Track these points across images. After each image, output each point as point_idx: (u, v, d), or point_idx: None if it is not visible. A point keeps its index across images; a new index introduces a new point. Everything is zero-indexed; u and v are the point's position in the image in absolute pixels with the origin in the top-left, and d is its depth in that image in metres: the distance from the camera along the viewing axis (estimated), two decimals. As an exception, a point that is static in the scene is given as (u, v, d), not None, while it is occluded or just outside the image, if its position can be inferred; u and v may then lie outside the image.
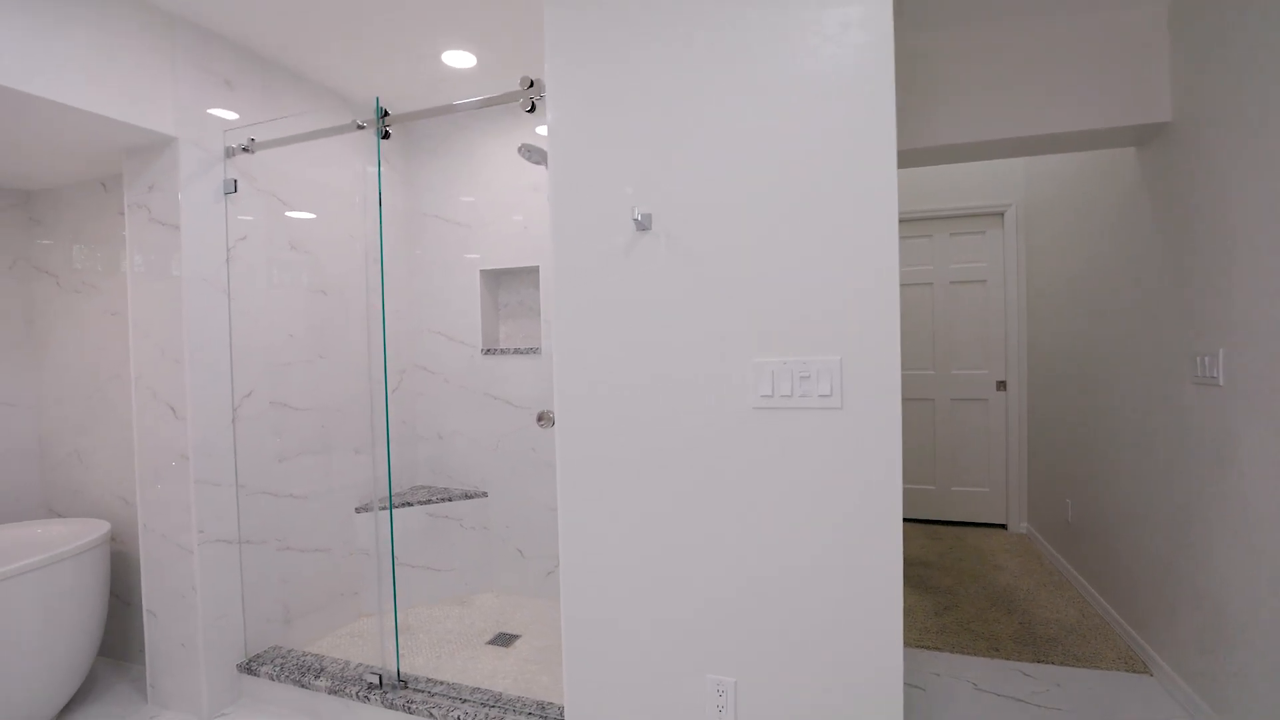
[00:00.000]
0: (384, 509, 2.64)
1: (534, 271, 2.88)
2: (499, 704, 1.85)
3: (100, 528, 2.24)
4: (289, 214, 2.39)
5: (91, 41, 1.75)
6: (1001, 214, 3.83)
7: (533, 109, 1.67)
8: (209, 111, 2.07)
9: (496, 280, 2.99)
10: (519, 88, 1.66)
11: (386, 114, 1.89)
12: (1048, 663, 2.26)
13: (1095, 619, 2.59)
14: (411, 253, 3.01)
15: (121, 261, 2.38)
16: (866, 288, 1.34)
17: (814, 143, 1.36)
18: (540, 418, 1.74)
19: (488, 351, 2.87)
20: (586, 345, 1.56)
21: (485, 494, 2.89)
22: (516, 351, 2.81)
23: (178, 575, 2.06)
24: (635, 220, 1.46)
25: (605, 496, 1.55)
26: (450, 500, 2.82)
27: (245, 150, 2.09)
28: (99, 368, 2.44)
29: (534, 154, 2.09)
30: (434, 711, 1.83)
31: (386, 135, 1.91)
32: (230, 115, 2.14)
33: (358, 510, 2.67)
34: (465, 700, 1.88)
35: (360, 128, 1.93)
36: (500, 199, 2.83)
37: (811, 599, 1.40)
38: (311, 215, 2.48)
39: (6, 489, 2.49)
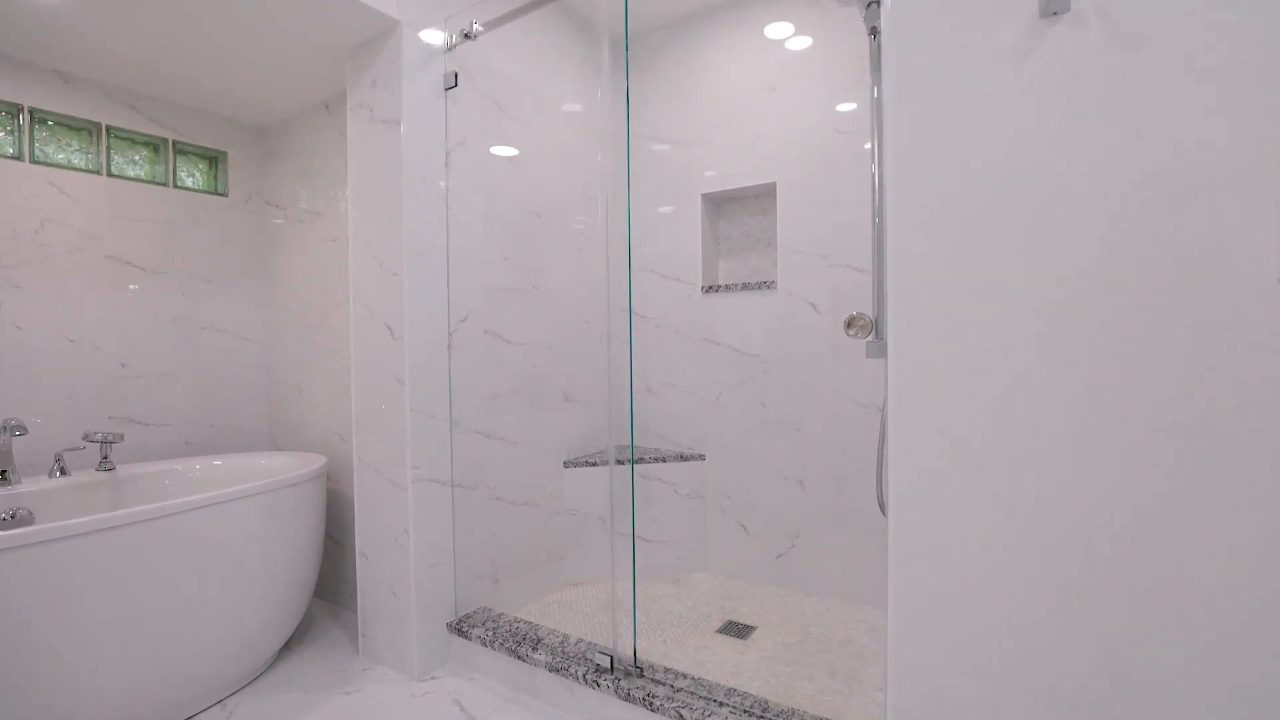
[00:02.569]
0: (621, 463, 2.31)
1: (766, 193, 2.39)
2: (766, 714, 1.38)
3: (317, 460, 2.12)
4: (503, 123, 2.12)
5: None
6: None
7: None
8: (432, -7, 1.84)
9: (716, 209, 2.55)
10: None
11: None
12: None
13: None
14: (617, 180, 2.66)
15: (343, 186, 2.26)
16: None
17: None
18: (850, 323, 1.23)
19: (708, 289, 2.44)
20: (948, 222, 1.02)
21: (702, 456, 2.46)
22: (745, 287, 2.35)
23: (391, 514, 1.84)
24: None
25: (986, 482, 1.00)
26: (663, 461, 2.43)
27: (467, 37, 1.83)
28: (319, 299, 2.36)
29: None
30: (684, 713, 1.41)
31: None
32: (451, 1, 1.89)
33: (566, 465, 2.35)
34: (722, 704, 1.43)
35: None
36: (727, 110, 2.38)
37: None
38: (524, 127, 2.20)
39: (239, 422, 2.50)
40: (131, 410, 2.20)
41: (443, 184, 1.87)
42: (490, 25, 1.82)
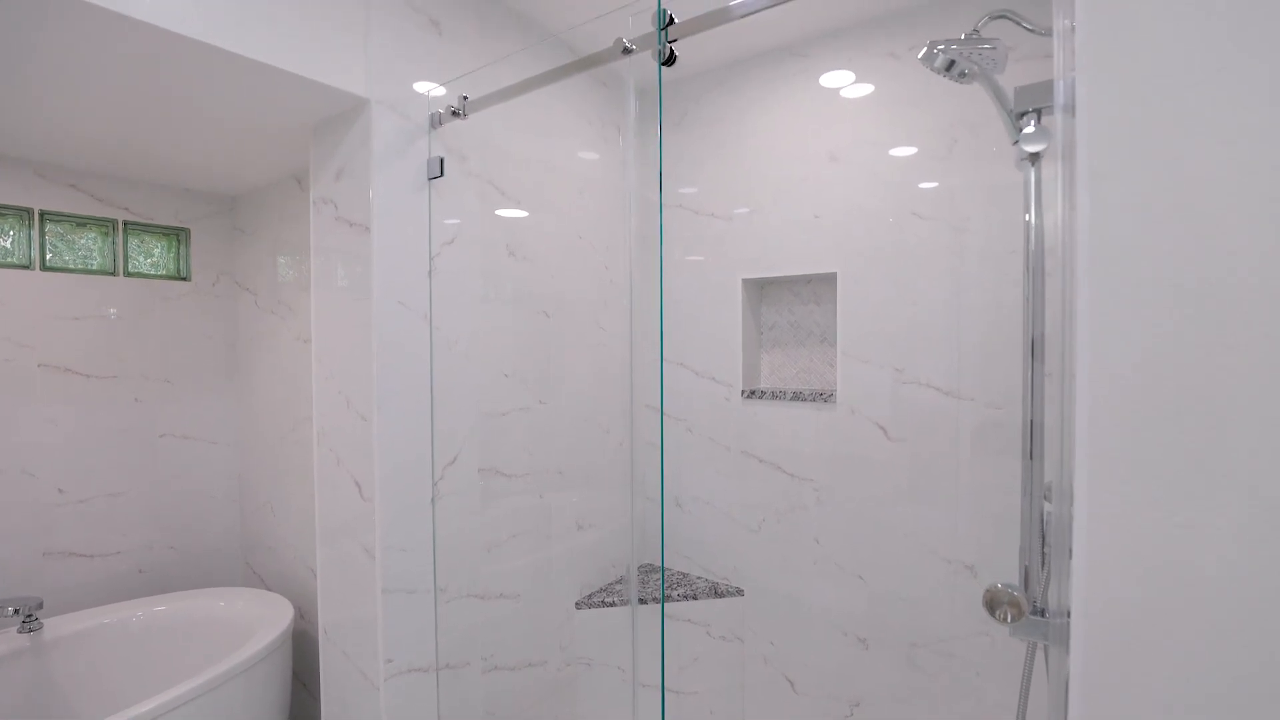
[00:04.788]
0: (645, 602, 1.93)
1: (822, 280, 1.98)
2: None
3: (281, 617, 1.78)
4: (502, 211, 1.74)
5: (257, -45, 1.18)
6: None
7: None
8: (409, 64, 1.46)
9: (759, 292, 2.14)
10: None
11: (671, 21, 1.10)
12: None
13: None
14: (645, 255, 2.26)
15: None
16: None
17: None
18: (992, 602, 0.83)
19: (750, 394, 2.03)
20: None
21: (740, 591, 2.06)
22: (797, 397, 1.94)
23: (362, 712, 1.48)
24: None
25: None
26: (694, 599, 2.04)
27: (455, 114, 1.45)
28: (291, 406, 2.01)
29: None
30: None
31: (669, 60, 1.12)
32: (435, 72, 1.51)
33: (579, 605, 1.98)
34: None
35: (628, 51, 1.15)
36: (777, 179, 1.97)
37: None
38: (529, 211, 1.81)
39: (208, 541, 2.17)
40: (71, 542, 1.88)
41: (425, 300, 1.50)
42: (485, 101, 1.44)
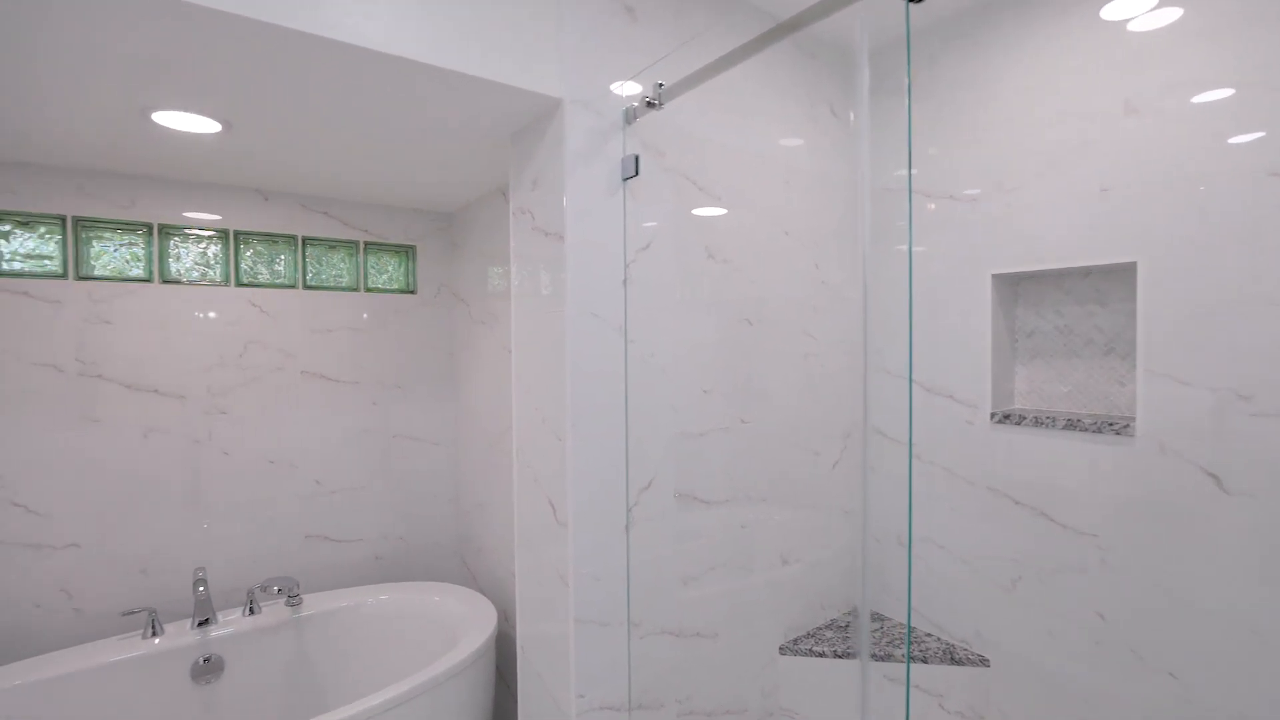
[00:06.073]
0: (880, 659, 1.67)
1: (1106, 272, 1.52)
2: None
3: (486, 621, 1.82)
4: (700, 211, 1.57)
5: (457, -37, 1.15)
6: None
7: None
8: (603, 56, 1.36)
9: (1013, 289, 1.72)
10: None
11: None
12: None
13: None
14: (859, 249, 1.95)
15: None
16: None
17: None
18: None
19: (1002, 418, 1.63)
20: None
21: (985, 661, 1.67)
22: (1073, 425, 1.50)
23: (554, 741, 1.43)
24: None
25: None
26: (924, 661, 1.69)
27: (651, 105, 1.32)
28: (497, 413, 2.07)
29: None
30: None
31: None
32: (628, 62, 1.39)
33: (782, 650, 1.76)
34: None
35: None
36: (1043, 145, 1.54)
37: None
38: (729, 207, 1.62)
39: (428, 537, 2.34)
40: (325, 528, 2.13)
41: (620, 312, 1.39)
42: (683, 85, 1.28)
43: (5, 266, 1.67)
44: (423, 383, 2.32)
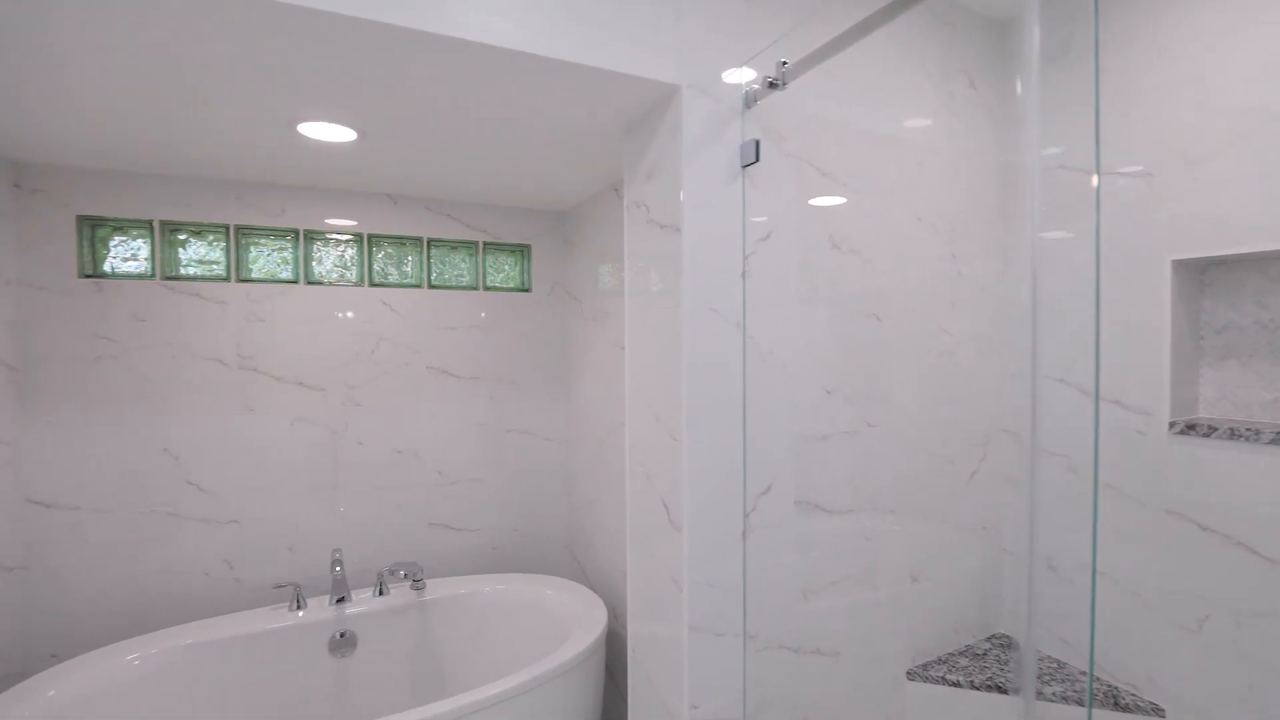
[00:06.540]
0: (1046, 698, 1.52)
1: (1335, 255, 1.25)
2: None
3: (596, 619, 1.82)
4: (823, 199, 1.47)
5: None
6: None
7: None
8: (722, 38, 1.30)
9: (1198, 280, 1.47)
10: None
11: None
12: None
13: None
14: (998, 233, 1.75)
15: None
16: None
17: None
18: None
19: (1185, 429, 1.40)
20: None
21: (1159, 710, 1.44)
22: (1276, 440, 1.25)
23: (665, 749, 1.40)
24: None
25: None
26: (1079, 703, 1.49)
27: (773, 86, 1.24)
28: (608, 410, 2.07)
29: None
30: None
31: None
32: (749, 42, 1.32)
33: (910, 675, 1.61)
34: None
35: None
36: (1239, 107, 1.30)
37: None
38: (855, 193, 1.51)
39: (540, 529, 2.39)
40: (446, 517, 2.23)
41: (738, 306, 1.33)
42: (808, 62, 1.20)
43: (183, 271, 1.88)
44: (536, 379, 2.37)
